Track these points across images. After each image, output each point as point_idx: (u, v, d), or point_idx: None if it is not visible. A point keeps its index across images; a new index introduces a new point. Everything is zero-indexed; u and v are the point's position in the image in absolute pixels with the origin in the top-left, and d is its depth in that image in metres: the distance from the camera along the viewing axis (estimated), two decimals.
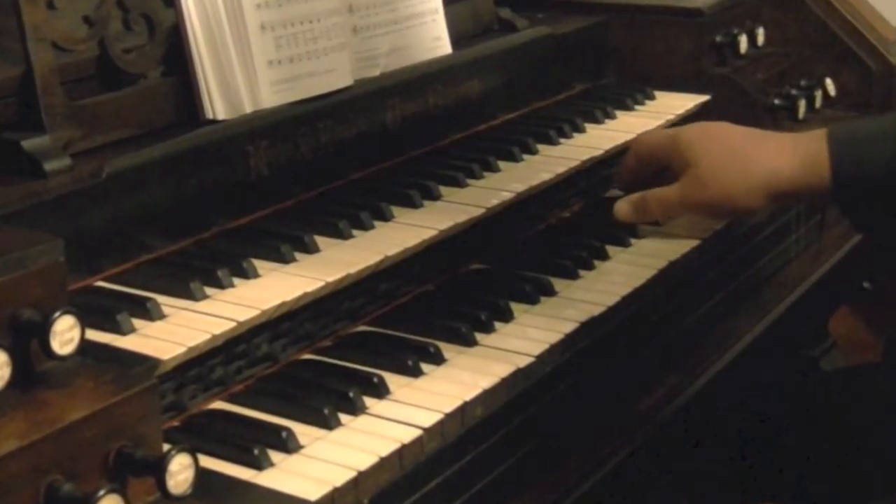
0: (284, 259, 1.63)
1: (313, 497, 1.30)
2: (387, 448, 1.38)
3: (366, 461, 1.36)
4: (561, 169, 2.01)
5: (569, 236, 1.97)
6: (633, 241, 1.95)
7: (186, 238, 1.67)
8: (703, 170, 1.86)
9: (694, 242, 1.94)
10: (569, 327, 1.66)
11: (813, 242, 2.26)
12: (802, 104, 2.45)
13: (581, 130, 2.20)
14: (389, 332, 1.66)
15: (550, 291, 1.77)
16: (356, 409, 1.45)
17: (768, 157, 1.84)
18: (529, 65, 2.29)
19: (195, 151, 1.68)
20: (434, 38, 2.09)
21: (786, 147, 1.84)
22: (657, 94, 2.41)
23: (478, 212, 1.83)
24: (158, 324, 1.46)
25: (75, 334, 1.22)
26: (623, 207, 1.95)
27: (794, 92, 2.48)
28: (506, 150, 2.05)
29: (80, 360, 1.24)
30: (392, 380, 1.52)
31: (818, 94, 2.52)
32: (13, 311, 1.20)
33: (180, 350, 1.40)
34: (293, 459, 1.37)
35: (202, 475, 1.22)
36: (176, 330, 1.45)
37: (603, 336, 1.71)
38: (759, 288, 2.13)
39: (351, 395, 1.46)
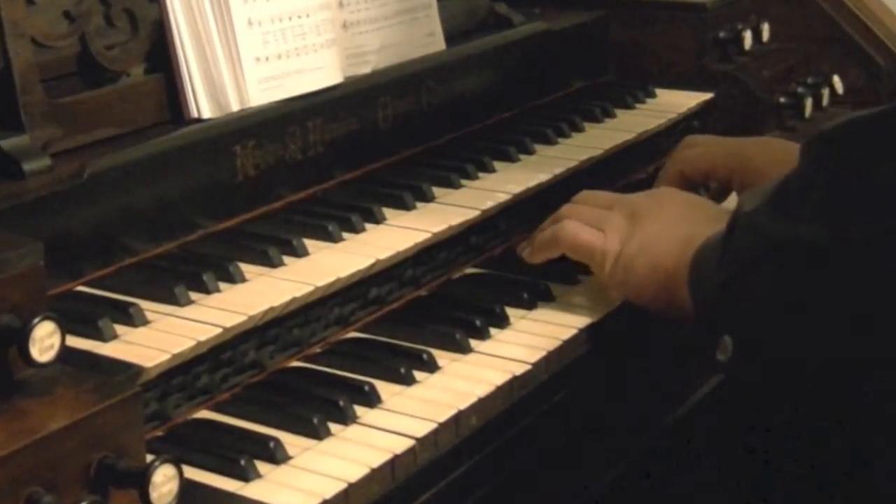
0: (272, 263, 1.61)
1: None
2: (378, 459, 1.37)
3: (356, 472, 1.34)
4: (559, 169, 1.99)
5: None
6: None
7: (171, 241, 1.66)
8: None
9: None
10: (567, 334, 1.64)
11: None
12: (809, 102, 2.43)
13: (580, 129, 2.19)
14: (381, 338, 1.64)
15: (548, 297, 1.75)
16: (346, 419, 1.44)
17: None
18: (526, 62, 2.28)
19: (180, 151, 1.67)
20: (427, 34, 2.08)
21: None
22: (658, 91, 2.39)
23: (472, 214, 1.81)
24: (141, 330, 1.45)
25: (55, 341, 1.20)
26: None
27: (800, 90, 2.46)
28: (502, 149, 2.04)
29: (60, 367, 1.22)
30: (383, 388, 1.50)
31: (825, 91, 2.50)
32: None
33: (164, 357, 1.39)
34: (281, 470, 1.36)
35: (187, 487, 1.21)
36: (160, 336, 1.43)
37: (603, 341, 1.68)
38: None
39: (341, 403, 1.44)
